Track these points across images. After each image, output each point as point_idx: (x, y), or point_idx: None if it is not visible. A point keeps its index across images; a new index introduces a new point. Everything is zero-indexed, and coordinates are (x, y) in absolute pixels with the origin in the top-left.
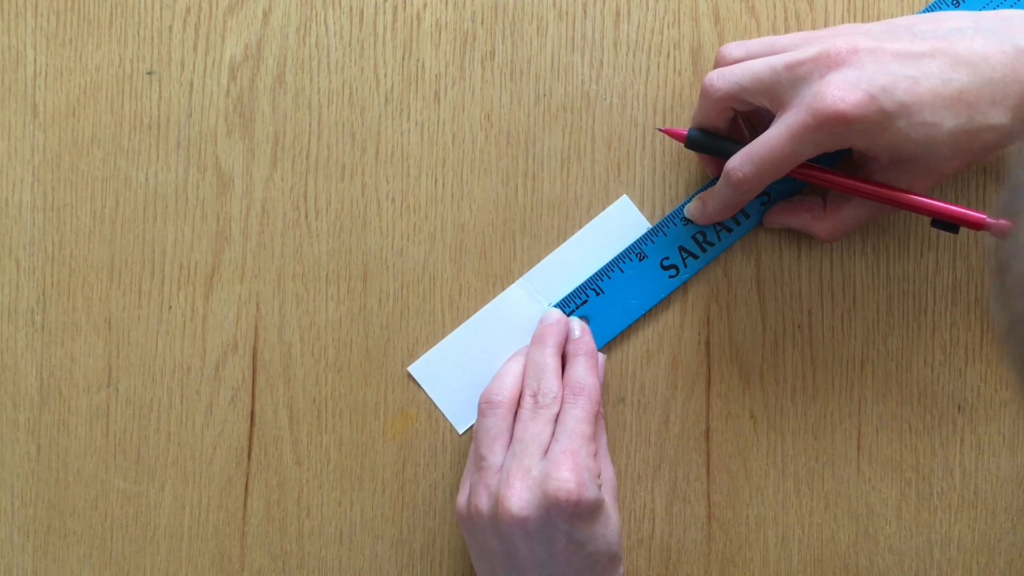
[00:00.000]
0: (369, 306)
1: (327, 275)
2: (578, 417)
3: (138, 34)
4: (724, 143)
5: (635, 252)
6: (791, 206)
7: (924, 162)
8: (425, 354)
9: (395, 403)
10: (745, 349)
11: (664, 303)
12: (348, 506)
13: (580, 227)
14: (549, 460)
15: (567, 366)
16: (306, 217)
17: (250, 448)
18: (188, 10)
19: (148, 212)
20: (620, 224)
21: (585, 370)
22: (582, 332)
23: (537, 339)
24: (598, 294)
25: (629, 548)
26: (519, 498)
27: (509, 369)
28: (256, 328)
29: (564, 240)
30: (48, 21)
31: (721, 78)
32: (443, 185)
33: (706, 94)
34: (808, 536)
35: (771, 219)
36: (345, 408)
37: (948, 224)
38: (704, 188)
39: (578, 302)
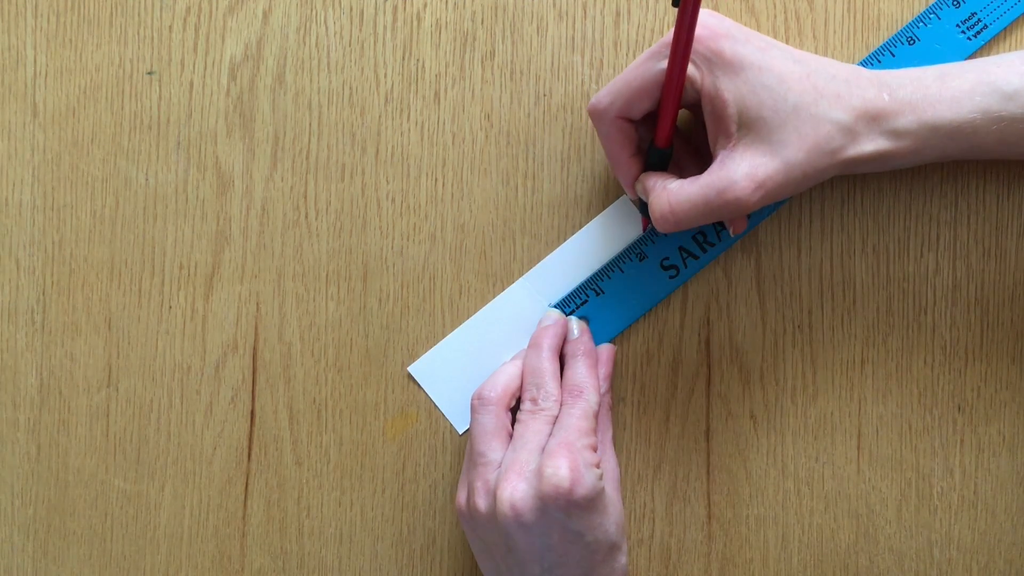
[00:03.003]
0: (369, 306)
1: (327, 275)
2: (575, 415)
3: (138, 34)
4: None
5: (635, 252)
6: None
7: (770, 133)
8: (425, 354)
9: (395, 403)
10: (745, 349)
11: (664, 303)
12: (348, 506)
13: (580, 227)
14: (545, 453)
15: (566, 367)
16: (306, 217)
17: (250, 448)
18: (188, 10)
19: (148, 212)
20: (620, 224)
21: (584, 371)
22: (580, 332)
23: (534, 342)
24: (598, 294)
25: (629, 548)
26: (515, 490)
27: (504, 368)
28: (256, 328)
29: (564, 240)
30: (48, 21)
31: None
32: (443, 185)
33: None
34: (808, 536)
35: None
36: (345, 408)
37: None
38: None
39: (578, 302)
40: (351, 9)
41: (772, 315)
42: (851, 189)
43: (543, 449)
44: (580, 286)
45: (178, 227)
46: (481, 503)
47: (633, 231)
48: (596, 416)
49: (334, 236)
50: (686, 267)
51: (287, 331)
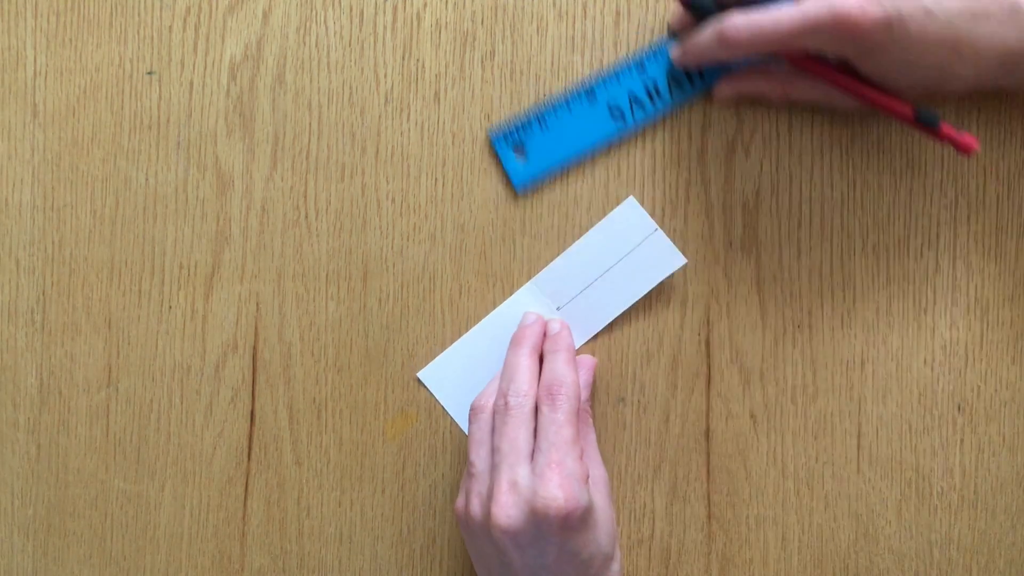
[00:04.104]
0: (369, 306)
1: (327, 275)
2: (558, 421)
3: (138, 34)
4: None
5: (585, 91)
6: (747, 74)
7: (895, 88)
8: (434, 360)
9: (395, 403)
10: (745, 349)
11: (664, 303)
12: (348, 506)
13: (580, 227)
14: (536, 474)
15: (544, 364)
16: (306, 217)
17: (250, 448)
18: (188, 10)
19: (148, 212)
20: (627, 225)
21: (563, 365)
22: (560, 328)
23: (513, 342)
24: (541, 125)
25: (629, 548)
26: (508, 515)
27: (497, 376)
28: (256, 328)
29: (564, 240)
30: (48, 21)
31: None
32: (443, 185)
33: None
34: (808, 536)
35: (724, 89)
36: (345, 408)
37: (929, 117)
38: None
39: (521, 131)
40: (351, 9)
41: (772, 315)
42: (851, 189)
43: (527, 456)
44: (524, 116)
45: (178, 227)
46: (475, 514)
47: (639, 232)
48: (578, 414)
49: (334, 236)
50: (632, 116)
51: (287, 331)
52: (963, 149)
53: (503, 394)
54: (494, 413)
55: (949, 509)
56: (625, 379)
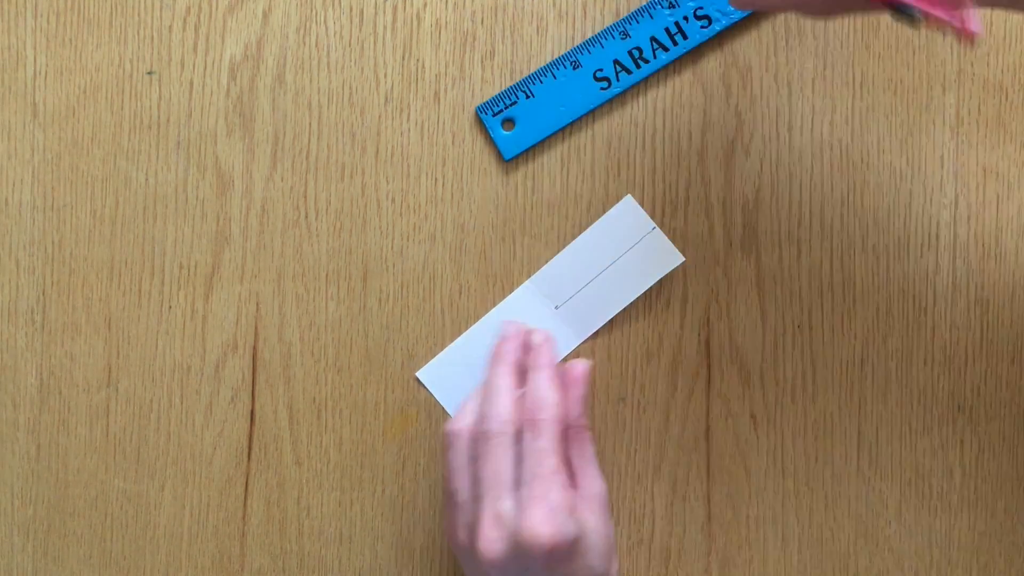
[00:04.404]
0: (369, 306)
1: (327, 275)
2: (541, 450)
3: (138, 34)
4: None
5: (569, 60)
6: None
7: None
8: (434, 359)
9: (395, 403)
10: (745, 349)
11: (664, 303)
12: (348, 506)
13: (580, 227)
14: (520, 507)
15: (527, 382)
16: (306, 217)
17: (250, 448)
18: (188, 10)
19: (148, 212)
20: (625, 224)
21: (545, 385)
22: (542, 340)
23: (492, 358)
24: (528, 97)
25: (629, 548)
26: (493, 549)
27: (471, 396)
28: (256, 328)
29: (564, 240)
30: (48, 21)
31: None
32: (443, 185)
33: None
34: (808, 536)
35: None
36: (345, 408)
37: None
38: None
39: (507, 102)
40: (351, 9)
41: (772, 315)
42: (851, 189)
43: (511, 487)
44: (512, 87)
45: (178, 227)
46: (461, 541)
47: (637, 231)
48: (566, 435)
49: (334, 236)
50: (619, 81)
51: (287, 331)
52: (966, 36)
53: (483, 418)
54: (474, 439)
55: (949, 509)
56: (625, 379)
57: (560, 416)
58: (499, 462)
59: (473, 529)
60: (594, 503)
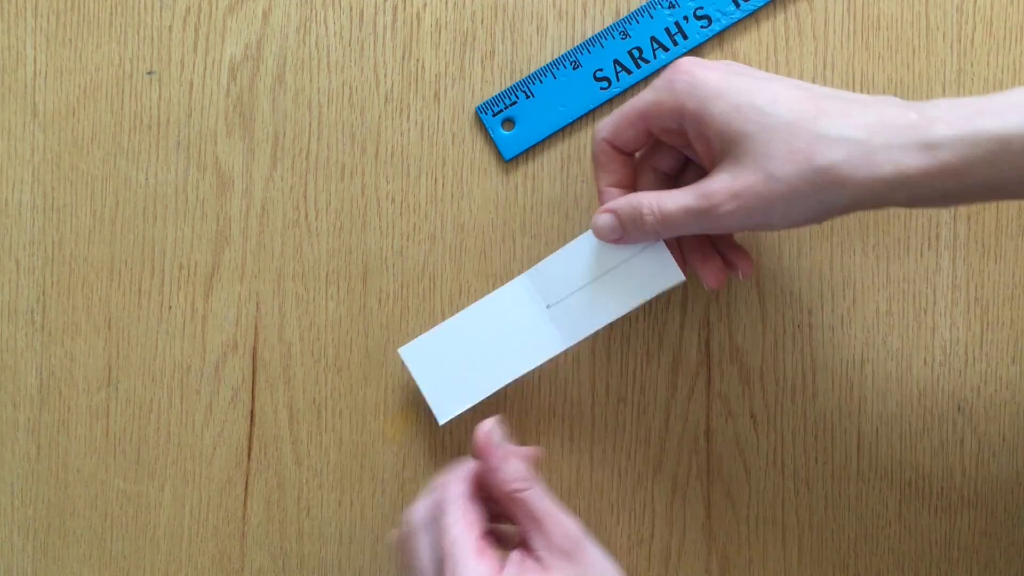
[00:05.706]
0: (369, 306)
1: (327, 275)
2: (443, 526)
3: (138, 34)
4: None
5: (569, 60)
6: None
7: (755, 146)
8: (418, 338)
9: (395, 403)
10: (745, 349)
11: (664, 303)
12: (348, 506)
13: (580, 227)
14: None
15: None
16: (306, 217)
17: (250, 448)
18: (188, 10)
19: (148, 212)
20: None
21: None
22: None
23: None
24: (528, 97)
25: (629, 548)
26: None
27: (432, 487)
28: (256, 328)
29: (564, 240)
30: (48, 21)
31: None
32: (443, 185)
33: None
34: (808, 536)
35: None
36: (345, 408)
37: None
38: None
39: (508, 102)
40: (351, 9)
41: (772, 315)
42: None
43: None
44: (511, 87)
45: (178, 227)
46: None
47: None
48: (510, 503)
49: (334, 236)
50: (619, 81)
51: (287, 331)
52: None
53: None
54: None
55: (949, 509)
56: (625, 379)
57: (460, 492)
58: (414, 556)
59: None
60: (563, 543)
